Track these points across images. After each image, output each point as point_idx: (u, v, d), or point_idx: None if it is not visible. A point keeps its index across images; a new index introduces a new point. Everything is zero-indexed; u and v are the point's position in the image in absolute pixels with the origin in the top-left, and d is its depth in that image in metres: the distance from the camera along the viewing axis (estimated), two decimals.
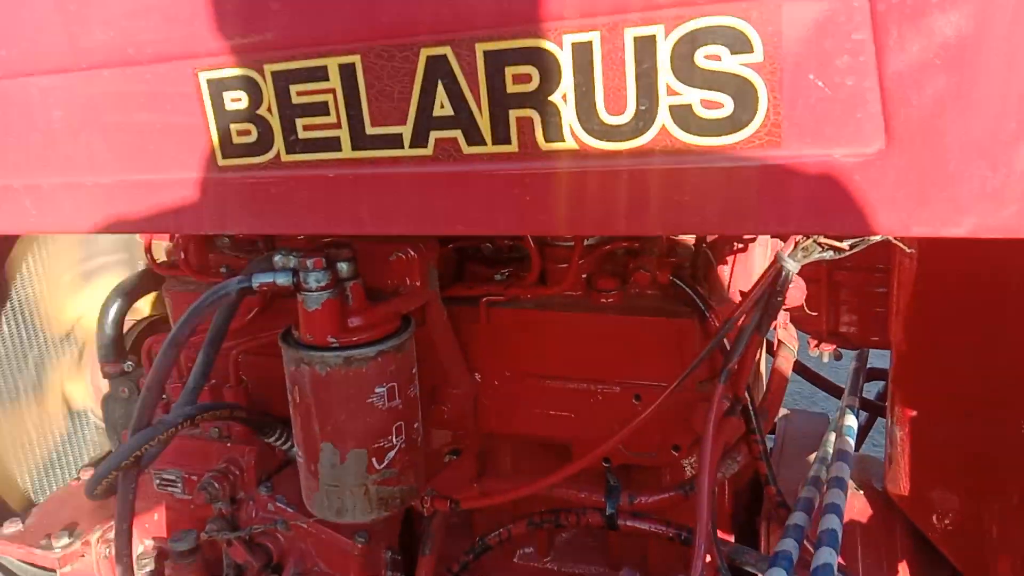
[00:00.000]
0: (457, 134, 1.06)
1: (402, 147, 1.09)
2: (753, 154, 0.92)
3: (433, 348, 1.51)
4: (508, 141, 1.03)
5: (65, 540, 1.85)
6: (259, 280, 1.24)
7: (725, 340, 1.38)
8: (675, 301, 1.52)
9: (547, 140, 1.01)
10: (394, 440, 1.32)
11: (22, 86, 1.32)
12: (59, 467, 2.39)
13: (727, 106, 0.91)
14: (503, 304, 1.57)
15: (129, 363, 2.05)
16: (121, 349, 2.07)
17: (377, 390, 1.26)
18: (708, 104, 0.92)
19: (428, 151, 1.08)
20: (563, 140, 1.00)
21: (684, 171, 0.95)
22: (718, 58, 0.90)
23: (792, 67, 0.87)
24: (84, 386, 2.38)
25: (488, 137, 1.04)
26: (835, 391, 2.38)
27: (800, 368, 2.30)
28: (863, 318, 2.04)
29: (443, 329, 1.49)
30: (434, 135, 1.07)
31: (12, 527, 1.93)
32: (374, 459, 1.31)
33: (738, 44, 0.89)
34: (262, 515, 1.70)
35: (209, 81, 1.17)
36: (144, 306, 2.28)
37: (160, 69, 1.20)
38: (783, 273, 1.20)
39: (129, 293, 2.05)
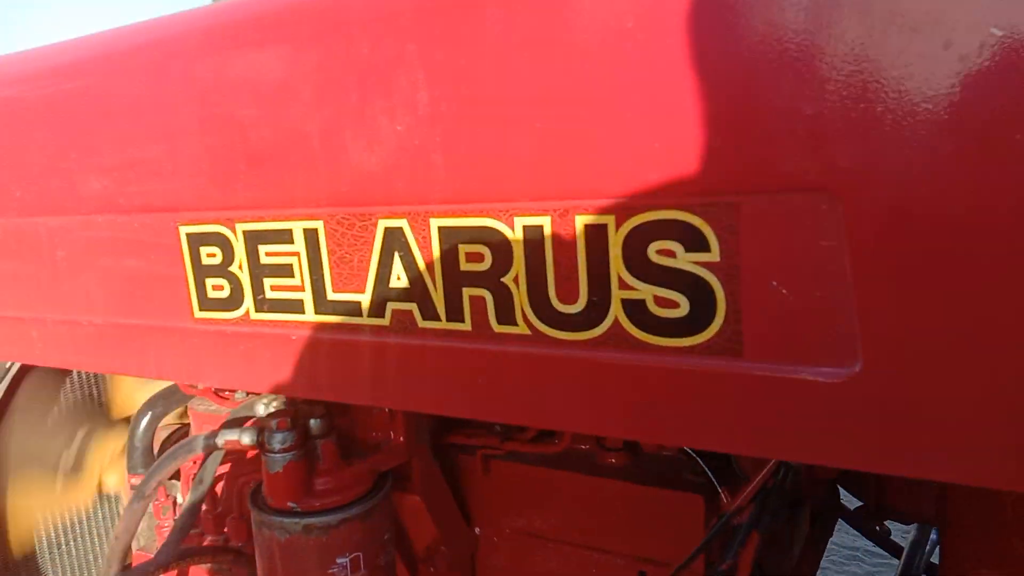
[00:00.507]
0: (413, 307, 0.99)
1: (361, 315, 1.04)
2: (710, 362, 0.81)
3: (424, 503, 1.42)
4: (461, 319, 0.96)
5: None
6: (224, 438, 1.20)
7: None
8: (688, 466, 1.38)
9: (499, 322, 0.93)
10: None
11: (33, 225, 1.35)
12: (76, 539, 2.40)
13: (682, 306, 0.81)
14: (502, 456, 1.47)
15: None
16: (149, 460, 2.07)
17: (339, 560, 1.18)
18: (662, 302, 0.82)
19: (386, 321, 1.02)
20: (516, 324, 0.92)
21: (639, 370, 0.85)
22: (672, 254, 0.81)
23: (752, 270, 0.77)
24: (120, 477, 2.39)
25: (442, 313, 0.97)
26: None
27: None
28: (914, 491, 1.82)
29: (433, 485, 1.40)
30: (391, 306, 1.01)
31: None
32: None
33: (693, 241, 0.79)
34: None
35: (188, 235, 1.16)
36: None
37: (146, 219, 1.20)
38: (784, 470, 1.06)
39: (161, 406, 2.06)
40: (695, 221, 0.78)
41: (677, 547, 1.34)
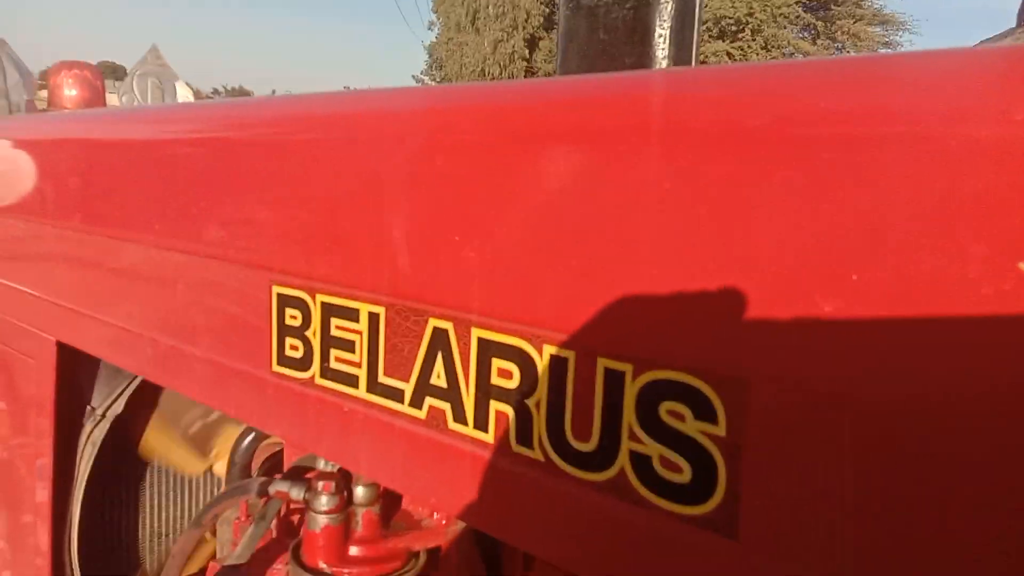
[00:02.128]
0: (447, 407, 1.02)
1: (402, 403, 1.08)
2: (706, 537, 0.77)
3: None
4: (486, 430, 0.97)
5: None
6: (276, 488, 1.27)
7: None
8: None
9: (518, 442, 0.94)
10: None
11: (164, 256, 1.51)
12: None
13: (685, 472, 0.79)
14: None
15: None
16: (247, 475, 2.21)
17: None
18: (667, 463, 0.80)
19: (422, 415, 1.05)
20: (532, 448, 0.93)
21: (638, 526, 0.83)
22: (682, 417, 0.78)
23: (757, 454, 0.73)
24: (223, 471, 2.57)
25: (470, 419, 0.99)
26: None
27: None
28: None
29: (470, 573, 1.41)
30: (428, 401, 1.04)
31: None
32: None
33: (702, 409, 0.77)
34: None
35: (278, 295, 1.25)
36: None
37: (248, 273, 1.31)
38: None
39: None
40: (706, 390, 0.76)
41: None
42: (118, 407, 2.23)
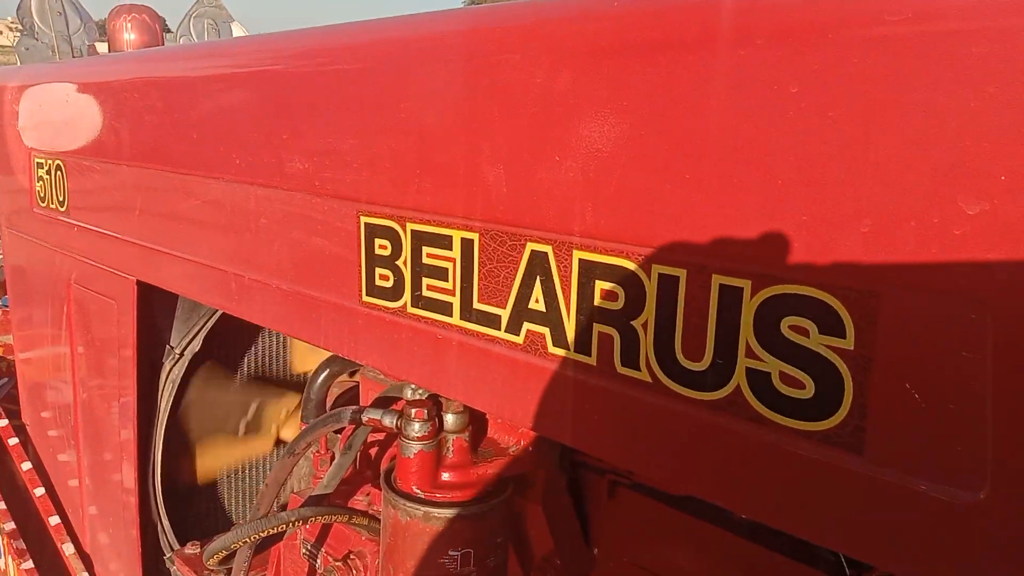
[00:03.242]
0: (546, 331, 1.02)
1: (499, 329, 1.08)
2: (827, 452, 0.76)
3: (544, 515, 1.45)
4: (588, 353, 0.97)
5: None
6: (368, 415, 1.29)
7: None
8: None
9: (623, 364, 0.93)
10: None
11: (245, 190, 1.52)
12: (256, 471, 2.68)
13: (808, 387, 0.77)
14: (629, 485, 1.46)
15: None
16: (323, 411, 2.26)
17: (451, 552, 1.24)
18: (788, 379, 0.78)
19: (519, 340, 1.05)
20: (639, 369, 0.92)
21: (754, 443, 0.82)
22: (805, 332, 0.77)
23: (886, 366, 0.71)
24: (295, 429, 2.64)
25: (571, 342, 0.99)
26: None
27: None
28: None
29: (556, 499, 1.42)
30: (526, 326, 1.04)
31: (191, 549, 2.19)
32: None
33: (828, 323, 0.75)
34: None
35: (366, 225, 1.25)
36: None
37: (335, 204, 1.31)
38: None
39: (338, 364, 2.24)
40: (834, 303, 0.74)
41: None
42: (196, 345, 2.29)
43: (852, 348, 0.73)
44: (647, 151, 0.86)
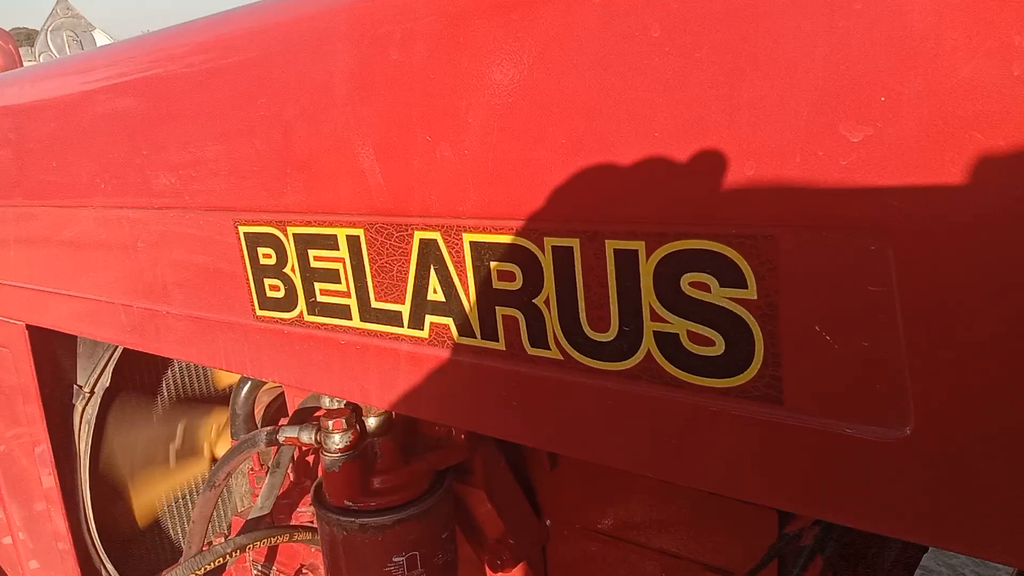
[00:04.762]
0: (449, 322, 0.96)
1: (402, 326, 1.01)
2: (748, 407, 0.73)
3: (488, 497, 1.41)
4: (495, 338, 0.92)
5: None
6: (284, 435, 1.22)
7: None
8: None
9: (532, 345, 0.88)
10: None
11: (116, 215, 1.41)
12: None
13: (718, 344, 0.73)
14: None
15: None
16: (252, 424, 2.17)
17: (395, 559, 1.19)
18: (696, 338, 0.75)
19: (424, 334, 0.99)
20: (548, 348, 0.87)
21: (672, 406, 0.78)
22: (706, 288, 0.73)
23: (792, 312, 0.68)
24: (228, 444, 2.54)
25: (477, 330, 0.93)
26: None
27: None
28: None
29: (498, 478, 1.38)
30: (429, 319, 0.98)
31: None
32: None
33: (728, 275, 0.71)
34: None
35: (246, 234, 1.17)
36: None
37: (209, 217, 1.22)
38: None
39: None
40: (730, 254, 0.70)
41: (748, 560, 1.27)
42: (105, 380, 2.16)
43: (756, 297, 0.70)
44: (518, 119, 0.80)
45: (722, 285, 0.71)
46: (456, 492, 1.36)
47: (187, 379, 2.51)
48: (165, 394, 2.43)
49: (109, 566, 2.27)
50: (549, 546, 1.51)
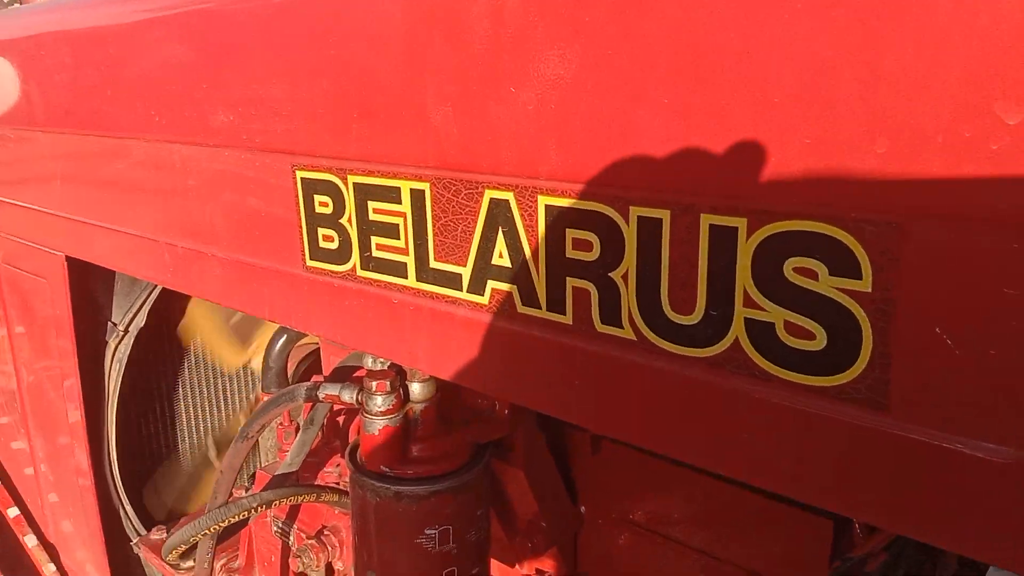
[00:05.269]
0: (513, 289, 0.90)
1: (461, 289, 0.96)
2: (844, 410, 0.67)
3: (526, 477, 1.36)
4: (563, 311, 0.86)
5: (190, 563, 1.94)
6: (325, 391, 1.17)
7: None
8: None
9: (603, 322, 0.82)
10: None
11: (168, 150, 1.36)
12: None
13: (819, 338, 0.67)
14: (614, 440, 1.37)
15: None
16: (284, 380, 2.14)
17: (427, 531, 1.14)
18: (794, 329, 0.68)
19: (484, 300, 0.94)
20: (621, 326, 0.81)
21: (758, 403, 0.72)
22: (813, 275, 0.66)
23: (911, 310, 0.61)
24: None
25: (543, 300, 0.87)
26: None
27: None
28: None
29: (537, 459, 1.33)
30: (491, 284, 0.92)
31: (158, 535, 2.08)
32: None
33: (840, 264, 0.64)
34: None
35: (303, 180, 1.12)
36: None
37: (266, 159, 1.17)
38: None
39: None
40: (846, 240, 0.63)
41: (794, 569, 1.21)
42: (140, 320, 2.14)
43: (870, 290, 0.63)
44: (618, 74, 0.73)
45: (832, 274, 0.65)
46: (493, 469, 1.31)
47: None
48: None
49: (128, 507, 2.26)
50: (581, 534, 1.46)
